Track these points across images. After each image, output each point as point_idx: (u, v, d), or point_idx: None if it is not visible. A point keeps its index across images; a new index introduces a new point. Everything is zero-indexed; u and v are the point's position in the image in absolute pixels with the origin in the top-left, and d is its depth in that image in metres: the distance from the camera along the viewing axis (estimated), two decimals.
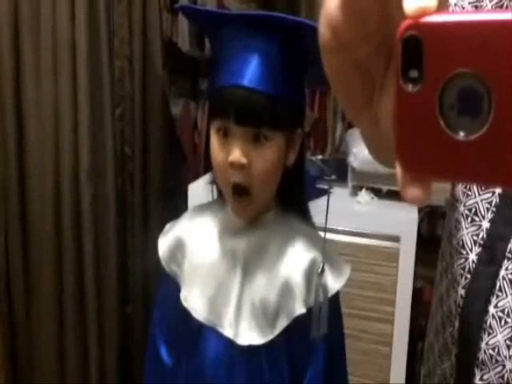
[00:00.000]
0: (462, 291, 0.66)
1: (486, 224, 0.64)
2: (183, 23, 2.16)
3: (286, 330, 0.90)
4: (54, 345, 1.88)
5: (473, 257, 0.65)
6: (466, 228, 0.66)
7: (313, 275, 0.89)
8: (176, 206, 1.08)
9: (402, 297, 1.62)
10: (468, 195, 0.66)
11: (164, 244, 1.00)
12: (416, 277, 1.62)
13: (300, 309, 0.89)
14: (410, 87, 0.30)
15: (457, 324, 0.67)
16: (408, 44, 0.29)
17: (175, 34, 2.19)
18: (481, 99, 0.28)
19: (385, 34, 0.32)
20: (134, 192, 1.90)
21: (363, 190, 1.81)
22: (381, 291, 1.64)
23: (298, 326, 0.90)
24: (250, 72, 0.84)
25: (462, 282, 0.66)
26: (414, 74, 0.30)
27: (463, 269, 0.66)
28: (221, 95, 0.87)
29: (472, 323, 0.63)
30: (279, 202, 0.95)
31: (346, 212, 1.71)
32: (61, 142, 1.77)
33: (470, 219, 0.66)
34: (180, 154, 2.16)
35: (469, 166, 0.29)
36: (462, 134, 0.29)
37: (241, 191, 0.87)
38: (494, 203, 0.63)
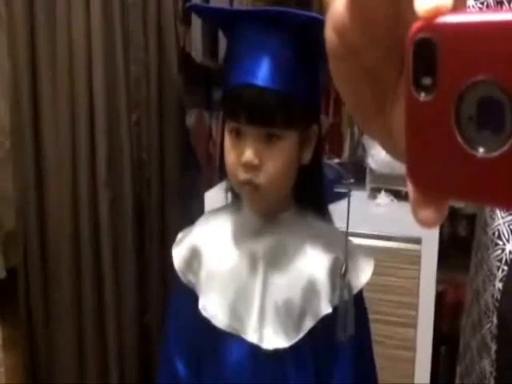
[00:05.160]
0: (499, 284, 0.64)
1: None
2: (196, 33, 2.16)
3: (311, 331, 0.88)
4: (73, 356, 1.87)
5: (510, 247, 0.62)
6: (502, 217, 0.64)
7: (336, 274, 0.87)
8: (193, 214, 1.07)
9: (424, 300, 1.59)
10: None
11: (179, 254, 0.97)
12: (437, 280, 1.59)
13: (326, 308, 0.87)
14: (422, 96, 0.27)
15: (495, 319, 0.64)
16: (420, 48, 0.26)
17: (188, 45, 2.19)
18: (503, 111, 0.24)
19: (396, 37, 0.29)
20: (151, 198, 1.89)
21: (382, 192, 1.79)
22: (403, 295, 1.61)
23: (323, 326, 0.88)
24: (263, 70, 0.83)
25: (499, 274, 0.64)
26: (426, 81, 0.27)
27: (500, 260, 0.64)
28: (233, 95, 0.85)
29: (511, 318, 0.61)
30: (297, 201, 0.94)
31: (365, 215, 1.69)
32: (77, 149, 1.77)
33: None
34: (195, 164, 2.15)
35: (488, 186, 0.26)
36: (481, 150, 0.25)
37: (252, 188, 0.86)
38: None
